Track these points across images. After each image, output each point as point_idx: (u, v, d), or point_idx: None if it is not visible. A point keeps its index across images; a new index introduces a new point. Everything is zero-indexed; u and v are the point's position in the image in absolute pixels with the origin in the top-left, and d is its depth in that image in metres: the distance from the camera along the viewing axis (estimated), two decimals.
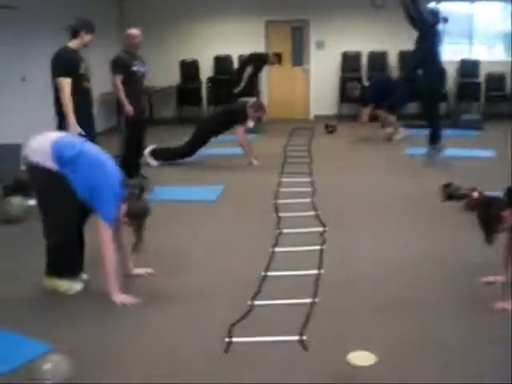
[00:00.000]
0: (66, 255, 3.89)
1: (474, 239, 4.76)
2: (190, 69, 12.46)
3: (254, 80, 10.79)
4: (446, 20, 7.85)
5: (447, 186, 6.03)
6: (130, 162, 6.58)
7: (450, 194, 5.93)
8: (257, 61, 10.61)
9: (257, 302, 3.69)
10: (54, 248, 3.86)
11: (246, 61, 10.85)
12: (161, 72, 11.81)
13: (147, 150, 7.86)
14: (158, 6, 12.23)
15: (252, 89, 10.68)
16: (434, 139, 7.64)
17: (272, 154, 8.46)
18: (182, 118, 12.31)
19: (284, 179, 6.96)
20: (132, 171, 6.54)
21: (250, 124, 8.33)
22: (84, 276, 4.03)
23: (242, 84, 10.42)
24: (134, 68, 6.71)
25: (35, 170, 3.75)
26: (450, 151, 7.85)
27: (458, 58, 12.26)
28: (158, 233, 4.94)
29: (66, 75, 5.31)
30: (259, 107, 8.16)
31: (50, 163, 3.68)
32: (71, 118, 5.33)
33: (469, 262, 4.33)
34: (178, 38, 12.46)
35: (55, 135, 3.88)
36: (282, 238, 4.89)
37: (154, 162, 7.89)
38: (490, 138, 9.52)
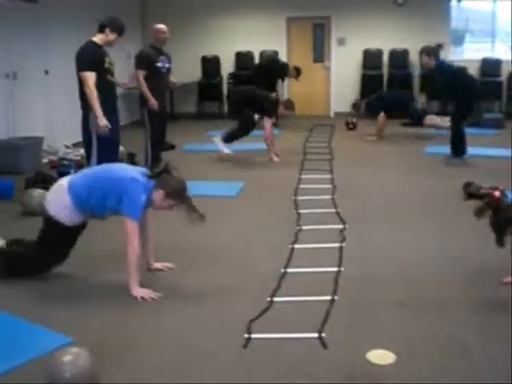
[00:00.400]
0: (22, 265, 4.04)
1: (493, 239, 4.77)
2: (211, 65, 12.50)
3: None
4: (441, 47, 7.92)
5: (468, 185, 6.01)
6: (152, 156, 6.63)
7: (471, 193, 5.90)
8: (281, 73, 10.71)
9: (276, 299, 3.70)
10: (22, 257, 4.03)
11: (268, 69, 10.78)
12: (182, 68, 11.83)
13: (216, 140, 7.92)
14: (180, 1, 12.27)
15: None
16: (457, 154, 7.63)
17: (292, 150, 8.46)
18: (203, 114, 12.37)
19: (304, 176, 6.96)
20: (154, 165, 6.60)
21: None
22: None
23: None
24: (159, 64, 6.72)
25: (49, 221, 3.87)
26: (471, 150, 7.81)
27: (480, 56, 12.17)
28: (177, 227, 4.95)
29: (90, 69, 5.35)
30: (290, 106, 8.18)
31: (64, 214, 3.81)
32: (97, 110, 5.35)
33: (489, 262, 4.31)
34: (200, 33, 12.49)
35: (66, 179, 3.96)
36: (301, 235, 4.89)
37: (226, 150, 7.93)
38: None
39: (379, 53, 12.26)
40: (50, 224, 3.88)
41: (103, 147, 5.43)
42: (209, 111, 12.50)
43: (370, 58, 12.28)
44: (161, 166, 4.14)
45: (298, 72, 10.86)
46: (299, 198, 6.01)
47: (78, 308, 3.64)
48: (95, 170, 4.10)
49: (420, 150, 8.40)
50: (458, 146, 7.61)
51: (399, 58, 12.19)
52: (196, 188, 6.40)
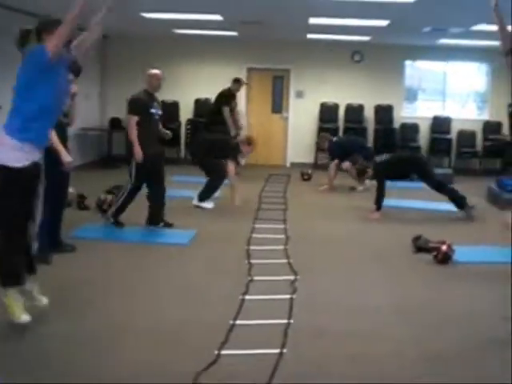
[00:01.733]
0: (9, 261, 3.81)
1: (441, 291, 4.86)
2: (170, 110, 12.49)
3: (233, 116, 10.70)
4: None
5: (417, 238, 6.11)
6: (121, 204, 6.52)
7: (420, 246, 6.01)
8: (225, 98, 10.57)
9: (223, 352, 3.62)
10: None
11: (216, 103, 10.81)
12: None
13: (195, 202, 7.88)
14: (142, 45, 12.33)
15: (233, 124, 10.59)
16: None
17: (247, 199, 8.46)
18: None
19: (257, 225, 6.96)
20: (117, 213, 6.55)
21: (242, 162, 8.30)
22: (44, 300, 3.96)
23: (231, 127, 10.36)
24: (153, 110, 6.53)
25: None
26: (421, 204, 7.97)
27: (431, 114, 12.57)
28: (127, 275, 4.89)
29: None
30: (251, 141, 8.09)
31: (14, 155, 3.65)
32: (58, 147, 5.12)
33: (436, 313, 4.36)
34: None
35: None
36: (252, 286, 4.85)
37: (208, 205, 7.88)
38: (460, 192, 9.67)
39: (336, 107, 12.51)
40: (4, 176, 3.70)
41: (51, 188, 5.24)
42: (166, 156, 12.40)
43: (327, 112, 12.52)
44: None
45: (239, 83, 10.75)
46: (252, 247, 5.99)
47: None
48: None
49: (370, 202, 8.50)
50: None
51: (355, 112, 12.45)
52: (147, 235, 6.41)
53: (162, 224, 6.73)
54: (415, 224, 7.22)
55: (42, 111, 3.73)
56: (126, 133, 6.62)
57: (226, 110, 10.40)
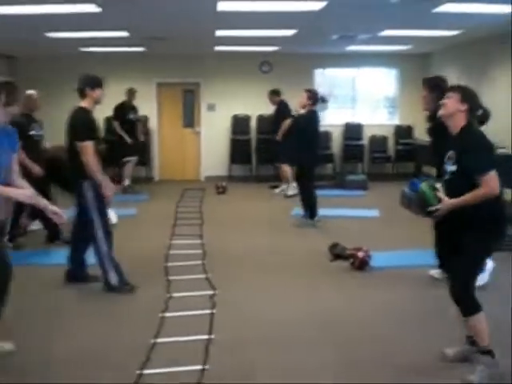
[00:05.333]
0: None
1: (358, 298, 4.94)
2: None
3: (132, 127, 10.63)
4: (324, 100, 8.10)
5: (334, 246, 6.18)
6: (13, 221, 6.29)
7: (337, 253, 6.08)
8: (115, 113, 10.58)
9: (146, 371, 3.55)
10: None
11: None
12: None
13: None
14: (50, 65, 12.00)
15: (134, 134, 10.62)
16: (311, 215, 7.81)
17: (163, 215, 8.37)
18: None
19: (174, 241, 6.87)
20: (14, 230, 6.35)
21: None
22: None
23: (126, 137, 10.35)
24: (32, 132, 6.45)
25: None
26: (337, 211, 8.09)
27: (343, 121, 12.80)
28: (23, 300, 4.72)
29: None
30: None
31: None
32: None
33: (356, 321, 4.42)
34: (71, 97, 12.15)
35: None
36: (171, 303, 4.78)
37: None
38: (374, 197, 9.94)
39: (247, 118, 12.57)
40: None
41: None
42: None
43: (239, 124, 12.57)
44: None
45: (129, 91, 10.72)
46: (170, 264, 5.91)
47: None
48: None
49: (288, 212, 8.58)
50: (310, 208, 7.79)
51: (267, 123, 12.50)
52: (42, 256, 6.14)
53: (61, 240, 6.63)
54: (333, 231, 7.30)
55: None
56: None
57: (116, 125, 10.49)
